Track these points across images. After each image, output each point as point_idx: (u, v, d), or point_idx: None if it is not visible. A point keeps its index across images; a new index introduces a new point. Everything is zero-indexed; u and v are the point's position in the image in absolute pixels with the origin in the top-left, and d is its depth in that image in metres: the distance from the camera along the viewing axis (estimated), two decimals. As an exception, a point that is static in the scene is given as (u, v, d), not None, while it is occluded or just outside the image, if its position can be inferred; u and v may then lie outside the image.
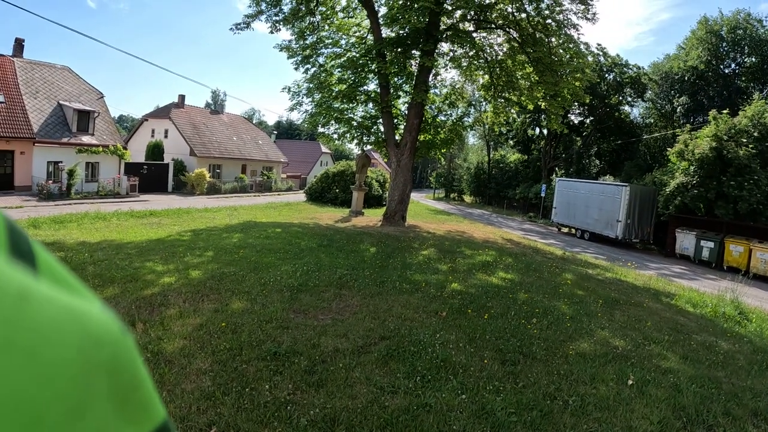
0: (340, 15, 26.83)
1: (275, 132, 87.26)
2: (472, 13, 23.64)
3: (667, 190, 31.32)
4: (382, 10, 24.73)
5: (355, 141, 28.04)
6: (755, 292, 18.30)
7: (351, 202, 31.47)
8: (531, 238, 28.91)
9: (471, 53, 26.19)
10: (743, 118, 29.44)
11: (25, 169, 32.68)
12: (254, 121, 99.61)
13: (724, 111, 30.60)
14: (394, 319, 8.12)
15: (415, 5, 20.21)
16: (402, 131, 24.96)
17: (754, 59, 47.67)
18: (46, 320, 0.36)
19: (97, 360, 0.40)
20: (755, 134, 28.47)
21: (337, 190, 41.03)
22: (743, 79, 48.19)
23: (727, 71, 49.38)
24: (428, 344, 7.05)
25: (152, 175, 43.71)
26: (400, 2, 22.38)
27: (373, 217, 27.77)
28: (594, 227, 34.25)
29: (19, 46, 38.27)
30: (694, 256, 28.43)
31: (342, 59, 25.92)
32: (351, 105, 26.78)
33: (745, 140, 28.22)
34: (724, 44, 48.90)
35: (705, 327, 10.54)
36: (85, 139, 36.08)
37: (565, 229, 39.06)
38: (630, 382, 6.61)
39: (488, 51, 26.19)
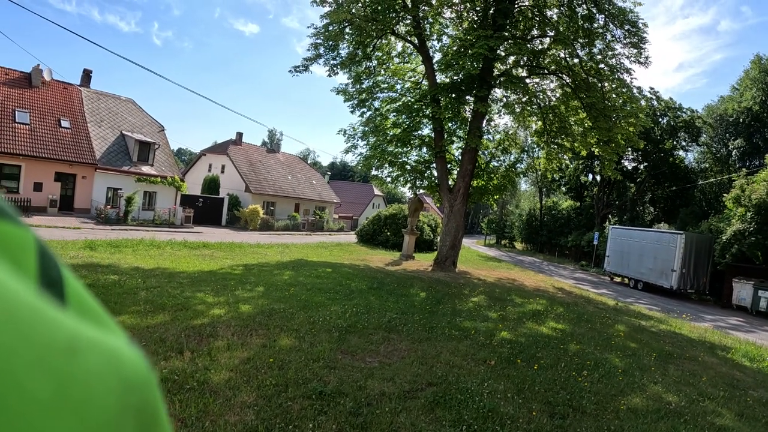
0: (396, 60, 27.35)
1: (329, 173, 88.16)
2: (525, 59, 23.82)
3: (724, 237, 30.47)
4: (437, 56, 25.27)
5: (408, 185, 28.18)
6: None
7: (402, 246, 31.47)
8: (583, 288, 28.40)
9: (524, 99, 26.29)
10: None
11: (86, 193, 34.14)
12: (309, 162, 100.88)
13: None
14: (441, 365, 8.07)
15: (469, 52, 20.43)
16: (455, 176, 25.04)
17: None
18: (93, 370, 0.36)
19: (129, 403, 0.40)
20: None
21: (388, 233, 41.00)
22: None
23: None
24: (476, 393, 6.97)
25: (207, 208, 44.69)
26: (455, 49, 22.74)
27: (424, 261, 27.63)
28: (648, 277, 33.45)
29: (86, 76, 40.22)
30: (752, 307, 27.34)
31: (397, 103, 26.34)
32: (405, 149, 27.04)
33: None
34: None
35: (762, 382, 10.23)
36: (145, 168, 37.41)
37: (618, 279, 38.35)
38: None
39: (541, 96, 26.31)
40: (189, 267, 16.31)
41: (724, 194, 33.51)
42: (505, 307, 14.58)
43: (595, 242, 47.54)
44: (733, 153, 50.86)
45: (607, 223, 55.72)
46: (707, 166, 55.29)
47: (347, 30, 23.32)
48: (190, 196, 43.88)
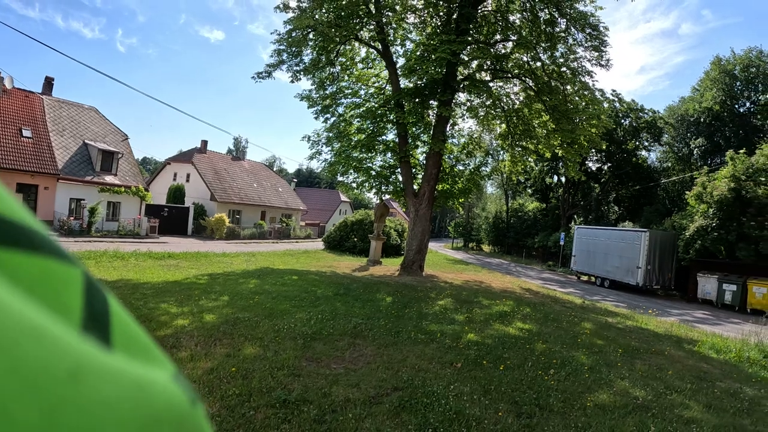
0: (359, 66, 27.42)
1: (295, 180, 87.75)
2: (489, 63, 24.00)
3: (687, 234, 31.23)
4: (401, 61, 25.35)
5: (374, 190, 28.20)
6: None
7: (369, 251, 31.42)
8: (550, 287, 28.65)
9: (488, 102, 26.51)
10: (761, 156, 29.48)
11: (48, 204, 33.25)
12: (275, 169, 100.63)
13: (741, 151, 30.71)
14: (408, 369, 8.02)
15: (433, 56, 20.50)
16: (420, 181, 25.14)
17: None
18: (100, 400, 0.35)
19: None
20: None
21: (355, 239, 41.00)
22: (758, 117, 48.33)
23: (742, 110, 49.81)
24: (442, 396, 6.93)
25: (172, 218, 44.35)
26: (418, 53, 22.82)
27: (391, 266, 27.66)
28: (614, 275, 34.02)
29: (48, 84, 39.49)
30: (717, 300, 28.13)
31: (361, 109, 26.37)
32: (370, 154, 27.00)
33: (764, 179, 28.21)
34: (738, 83, 49.40)
35: (729, 373, 10.36)
36: (108, 178, 36.76)
37: (585, 278, 38.86)
38: None
39: (505, 100, 26.50)
40: (153, 278, 16.10)
41: (687, 192, 34.13)
42: (471, 310, 14.56)
43: (562, 242, 48.12)
44: (695, 152, 52.04)
45: (572, 223, 56.54)
46: (669, 165, 56.47)
47: (310, 36, 23.27)
48: (155, 205, 43.45)
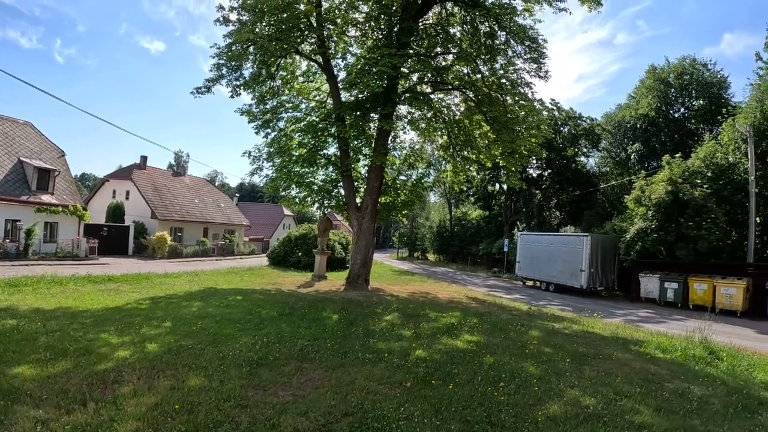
0: (300, 80, 27.25)
1: (237, 194, 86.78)
2: (430, 75, 24.12)
3: (628, 236, 32.00)
4: (342, 75, 25.27)
5: (316, 205, 28.06)
6: (723, 328, 18.51)
7: (314, 266, 31.15)
8: (496, 295, 28.92)
9: (429, 114, 26.64)
10: (696, 159, 30.94)
11: (-18, 227, 31.71)
12: (216, 184, 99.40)
13: (677, 155, 31.95)
14: (357, 392, 7.84)
15: (374, 70, 20.42)
16: (363, 194, 25.06)
17: (701, 102, 50.06)
18: None
19: None
20: (709, 174, 29.96)
21: (299, 254, 40.59)
22: (693, 121, 50.51)
23: (677, 115, 51.73)
24: (392, 419, 6.79)
25: (112, 238, 43.23)
26: (359, 67, 22.71)
27: (337, 280, 27.50)
28: (558, 279, 34.51)
29: (-21, 99, 37.92)
30: (660, 299, 28.91)
31: (302, 123, 26.14)
32: (311, 169, 26.86)
33: (699, 181, 29.53)
34: (672, 90, 51.35)
35: (676, 373, 10.45)
36: (45, 198, 35.48)
37: (530, 283, 39.26)
38: None
39: (446, 112, 26.67)
40: (93, 304, 15.53)
41: (626, 195, 35.03)
42: (419, 324, 14.46)
43: (506, 249, 48.83)
44: (632, 156, 53.56)
45: (515, 229, 57.42)
46: (608, 169, 58.05)
47: (251, 50, 22.96)
48: (94, 225, 42.44)
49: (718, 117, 38.60)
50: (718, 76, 51.01)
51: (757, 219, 29.03)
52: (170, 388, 7.62)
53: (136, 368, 8.48)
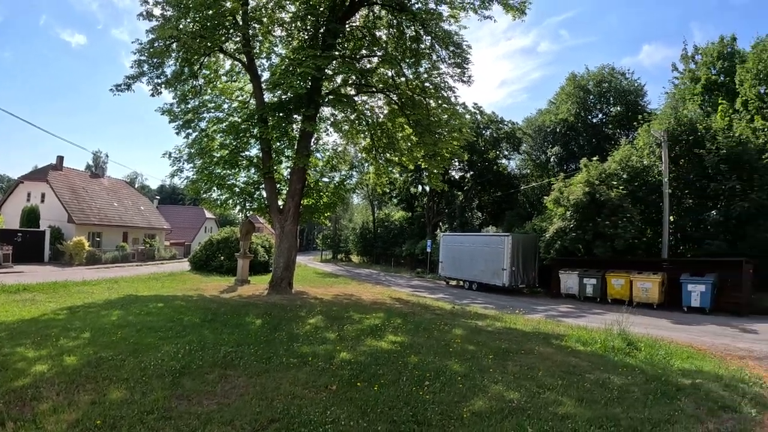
0: (224, 79, 26.78)
1: (158, 197, 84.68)
2: (354, 77, 24.02)
3: (547, 235, 32.91)
4: (265, 75, 24.91)
5: (238, 207, 27.68)
6: (640, 320, 19.04)
7: (237, 270, 30.73)
8: (420, 295, 29.10)
9: (352, 117, 26.62)
10: (612, 162, 32.28)
11: None
12: (136, 186, 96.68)
13: (594, 158, 33.18)
14: (282, 398, 7.75)
15: (298, 71, 20.22)
16: (285, 197, 24.84)
17: (619, 108, 52.79)
18: None
19: None
20: (624, 176, 31.24)
21: (222, 258, 39.73)
22: (610, 126, 53.29)
23: (595, 121, 54.07)
24: (319, 423, 6.75)
25: (27, 244, 41.00)
26: (283, 67, 22.43)
27: (260, 284, 27.17)
28: (481, 278, 35.06)
29: None
30: (579, 294, 29.81)
31: (224, 124, 25.68)
32: (233, 171, 26.46)
33: (615, 182, 30.66)
34: (591, 97, 53.64)
35: (597, 364, 10.71)
36: (-44, 202, 33.55)
37: (453, 282, 39.66)
38: None
39: (369, 114, 26.68)
40: (7, 316, 14.77)
41: (545, 197, 35.93)
42: (343, 326, 14.39)
43: (428, 249, 49.31)
44: (552, 159, 55.30)
45: (438, 230, 58.05)
46: (529, 171, 59.78)
47: (173, 47, 22.29)
48: (7, 230, 40.52)
49: (634, 123, 40.21)
50: (636, 84, 54.15)
51: (671, 218, 30.31)
52: (91, 402, 7.33)
53: (54, 383, 8.11)
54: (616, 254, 29.35)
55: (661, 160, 30.17)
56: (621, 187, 30.62)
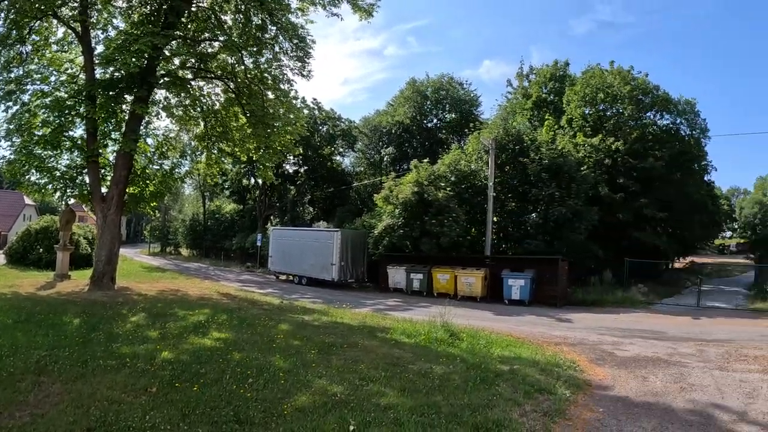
0: (54, 48, 24.50)
1: (-36, 178, 76.97)
2: (193, 61, 23.13)
3: (377, 232, 33.79)
4: (99, 49, 22.94)
5: (58, 193, 25.41)
6: (464, 312, 19.67)
7: (56, 264, 28.22)
8: (249, 290, 28.75)
9: (187, 102, 25.56)
10: (442, 165, 33.83)
11: None
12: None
13: (425, 160, 34.59)
14: (99, 404, 7.19)
15: (133, 47, 19.06)
16: (109, 183, 23.32)
17: (453, 115, 55.71)
18: None
19: None
20: (452, 178, 32.87)
21: (41, 250, 36.18)
22: (443, 132, 56.16)
23: (429, 125, 56.72)
24: (138, 429, 6.36)
25: None
26: (119, 42, 20.84)
27: (81, 280, 25.08)
28: (310, 272, 35.25)
29: None
30: (407, 288, 31.02)
31: (48, 99, 23.24)
32: (55, 152, 24.20)
33: (443, 184, 32.23)
34: (428, 102, 56.28)
35: (420, 355, 10.98)
36: None
37: (284, 277, 39.53)
38: (352, 428, 6.54)
39: (205, 101, 25.74)
40: None
41: (376, 194, 36.31)
42: (166, 324, 13.76)
43: (259, 243, 48.73)
44: (385, 159, 57.30)
45: (270, 224, 57.76)
46: (362, 169, 60.91)
47: (3, 5, 20.50)
48: None
49: (466, 130, 42.31)
50: (472, 94, 58.07)
51: (495, 218, 32.37)
52: None
53: None
54: (442, 251, 30.64)
55: (488, 166, 31.85)
56: (448, 189, 32.30)
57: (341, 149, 59.35)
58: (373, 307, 23.34)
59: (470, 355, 11.29)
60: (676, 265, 56.25)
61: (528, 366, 10.71)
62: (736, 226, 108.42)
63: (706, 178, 46.91)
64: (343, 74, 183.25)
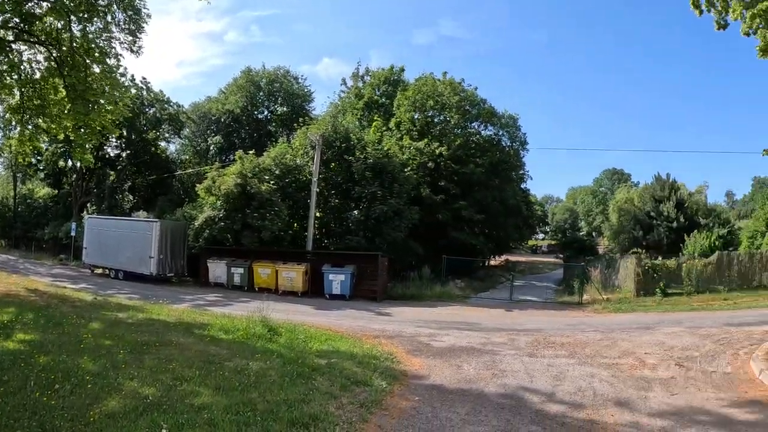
0: None
1: None
2: (17, 20, 21.37)
3: (197, 223, 32.80)
4: None
5: None
6: (284, 307, 19.88)
7: None
8: (61, 285, 26.64)
9: (4, 67, 23.64)
10: (267, 158, 33.91)
11: None
12: None
13: (251, 151, 34.38)
14: None
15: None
16: None
17: (285, 108, 56.31)
18: None
19: None
20: (277, 172, 32.99)
21: None
22: (273, 124, 56.56)
23: (260, 117, 56.85)
24: None
25: None
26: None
27: None
28: (127, 266, 33.50)
29: None
30: (228, 283, 30.47)
31: None
32: None
33: (267, 177, 32.31)
34: (261, 94, 56.33)
35: (237, 351, 10.85)
36: None
37: (99, 270, 37.06)
38: (164, 431, 6.31)
39: (24, 67, 23.90)
40: None
41: (199, 184, 35.43)
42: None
43: (73, 233, 45.63)
44: (212, 148, 55.96)
45: (85, 212, 54.09)
46: (187, 157, 59.31)
47: None
48: None
49: (296, 124, 42.15)
50: (306, 90, 59.03)
51: (318, 214, 32.90)
52: None
53: None
54: (263, 245, 30.69)
55: (313, 161, 32.06)
56: (272, 182, 32.47)
57: (167, 134, 56.45)
58: (192, 302, 22.88)
59: (288, 350, 11.35)
60: (492, 262, 59.93)
61: (346, 359, 10.95)
62: (548, 229, 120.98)
63: (522, 186, 52.95)
64: (180, 55, 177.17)
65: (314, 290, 28.27)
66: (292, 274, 28.34)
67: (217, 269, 31.25)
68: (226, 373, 9.00)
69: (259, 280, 29.59)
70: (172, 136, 57.14)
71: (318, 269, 28.45)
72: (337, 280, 27.48)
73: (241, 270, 30.27)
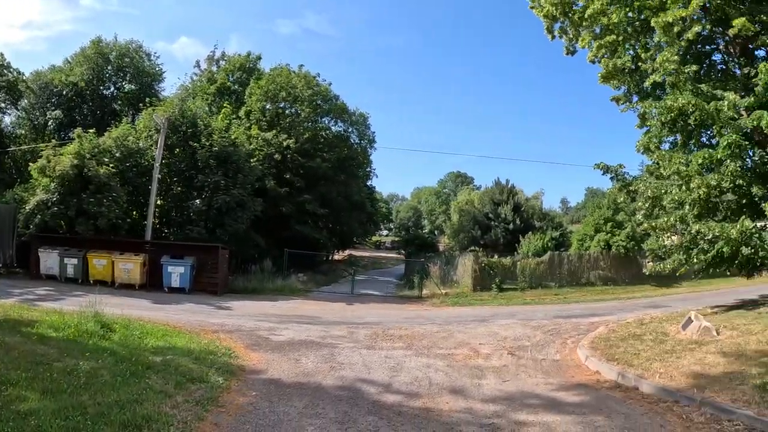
0: None
1: None
2: None
3: (28, 207, 30.24)
4: None
5: None
6: (121, 301, 19.11)
7: None
8: None
9: None
10: (108, 138, 32.03)
11: None
12: None
13: (91, 130, 32.41)
14: None
15: None
16: None
17: (133, 86, 52.75)
18: None
19: None
20: (118, 155, 31.54)
21: None
22: (119, 102, 52.94)
23: (106, 93, 52.89)
24: None
25: None
26: None
27: None
28: (-59, 256, 30.65)
29: None
30: (60, 275, 28.21)
31: None
32: None
33: (107, 159, 30.71)
34: (110, 68, 52.37)
35: (67, 350, 10.28)
36: None
37: None
38: None
39: None
40: None
41: (32, 163, 33.45)
42: None
43: None
44: (51, 123, 51.40)
45: None
46: (23, 132, 54.18)
47: None
48: None
49: (141, 104, 40.43)
50: (157, 68, 55.19)
51: (159, 201, 31.93)
52: None
53: None
54: (99, 233, 29.14)
55: (157, 145, 30.98)
56: (112, 165, 30.74)
57: (3, 104, 52.04)
58: (20, 297, 21.00)
59: (122, 347, 11.02)
60: (336, 257, 60.95)
61: (182, 355, 10.83)
62: (392, 226, 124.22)
63: (369, 183, 53.82)
64: (28, 16, 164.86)
65: (153, 283, 27.24)
66: (130, 266, 27.14)
67: (49, 259, 28.69)
68: (55, 374, 8.48)
69: (95, 271, 27.83)
70: (9, 106, 52.72)
71: (157, 261, 27.48)
72: (176, 272, 26.81)
73: (75, 261, 28.16)
